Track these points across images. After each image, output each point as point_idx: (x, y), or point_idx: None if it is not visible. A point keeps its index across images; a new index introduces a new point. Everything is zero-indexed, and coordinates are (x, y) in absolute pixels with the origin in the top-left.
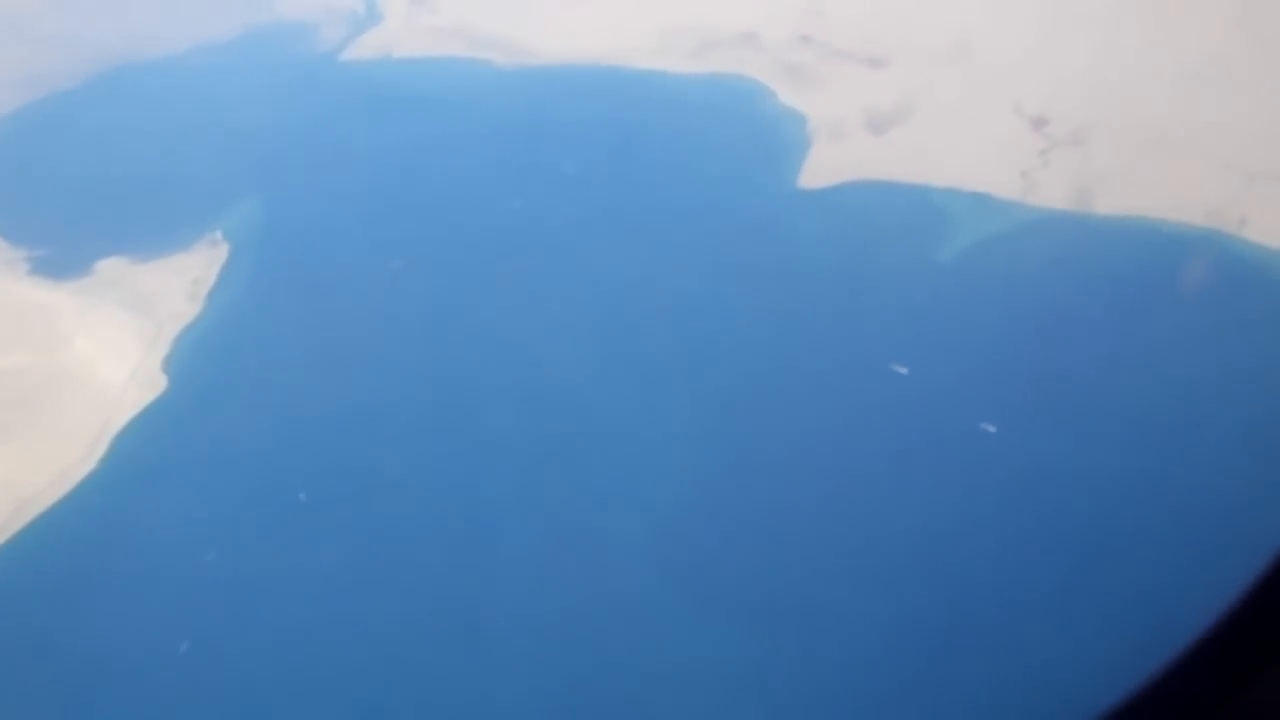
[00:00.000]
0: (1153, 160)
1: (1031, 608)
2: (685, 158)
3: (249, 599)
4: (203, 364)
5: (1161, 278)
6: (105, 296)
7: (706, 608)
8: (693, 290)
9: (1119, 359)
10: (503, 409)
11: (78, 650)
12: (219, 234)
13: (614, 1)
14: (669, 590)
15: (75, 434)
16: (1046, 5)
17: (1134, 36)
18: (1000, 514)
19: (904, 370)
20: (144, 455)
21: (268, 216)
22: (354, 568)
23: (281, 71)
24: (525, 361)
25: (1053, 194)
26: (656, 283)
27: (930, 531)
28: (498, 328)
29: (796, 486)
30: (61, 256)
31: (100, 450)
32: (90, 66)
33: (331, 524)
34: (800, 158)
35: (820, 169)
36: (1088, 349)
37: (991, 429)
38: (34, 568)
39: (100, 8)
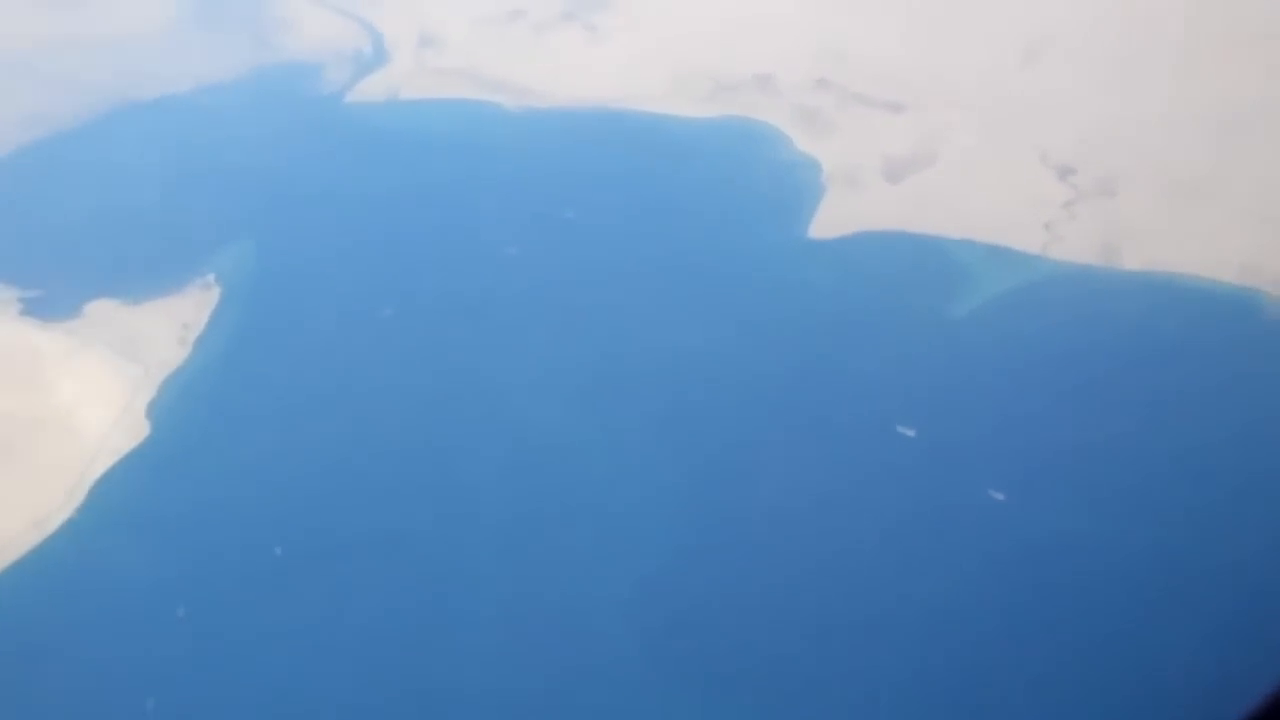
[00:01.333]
0: (1185, 212)
1: (1033, 693)
2: (692, 205)
3: (217, 658)
4: (187, 411)
5: (1191, 338)
6: (94, 339)
7: (691, 683)
8: (691, 346)
9: (1142, 425)
10: (486, 469)
11: (43, 702)
12: (212, 277)
13: (627, 43)
14: (652, 666)
15: (54, 480)
16: (1076, 49)
17: (1167, 83)
18: (1006, 589)
19: (910, 432)
20: (122, 504)
21: (261, 260)
22: (325, 629)
23: (284, 113)
24: (512, 420)
25: (1077, 247)
26: (653, 338)
27: (930, 606)
28: (485, 382)
29: (790, 555)
30: (53, 297)
31: (79, 498)
32: (93, 106)
33: (305, 582)
34: (813, 206)
35: (833, 218)
36: (1109, 413)
37: (1000, 497)
38: (3, 615)
39: (106, 47)
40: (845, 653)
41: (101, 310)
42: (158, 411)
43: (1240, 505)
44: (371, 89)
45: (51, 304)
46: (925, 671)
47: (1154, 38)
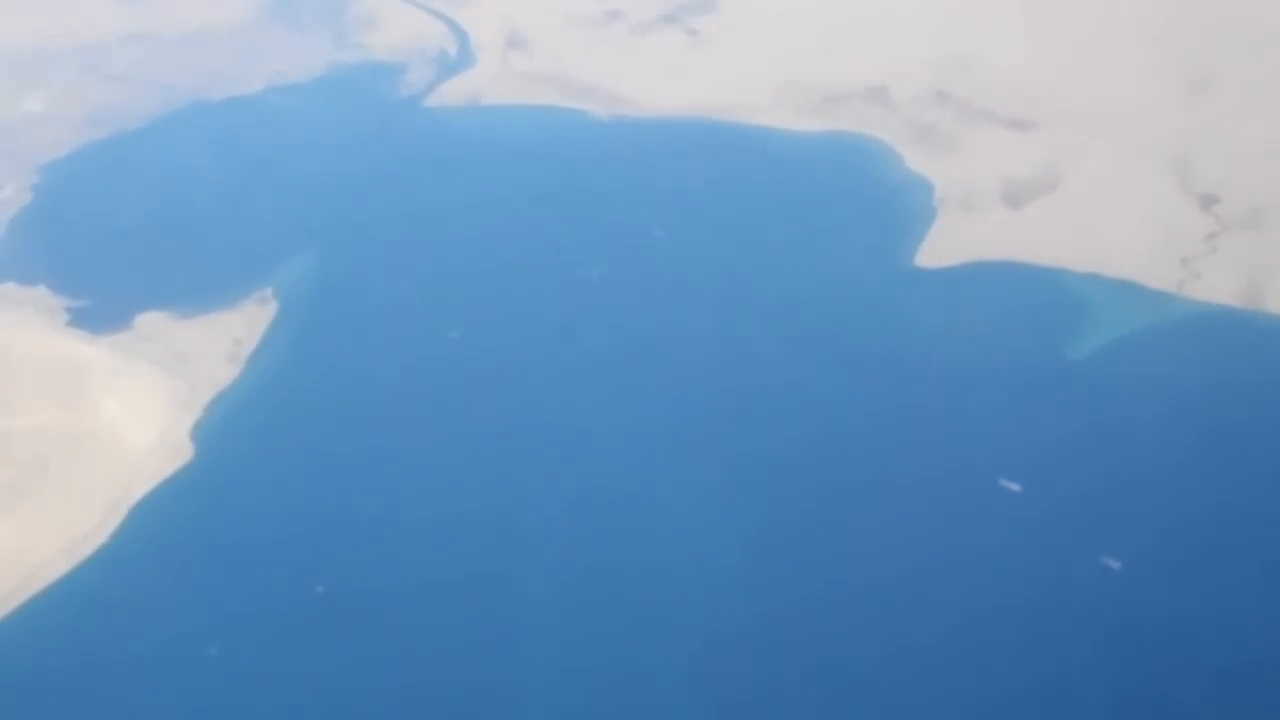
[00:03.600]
0: None
1: None
2: (790, 227)
3: (246, 704)
4: (232, 435)
5: None
6: (141, 354)
7: None
8: (780, 383)
9: (1271, 487)
10: (549, 513)
11: None
12: (269, 291)
13: (730, 49)
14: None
15: (91, 502)
16: (1225, 69)
17: None
18: (1114, 672)
19: (1016, 487)
20: (159, 532)
21: (324, 274)
22: (364, 677)
23: (359, 116)
24: (581, 460)
25: (1218, 285)
26: (739, 374)
27: (1028, 689)
28: (555, 417)
29: (875, 624)
30: (103, 308)
31: (115, 522)
32: (160, 105)
33: (347, 626)
34: (922, 231)
35: (944, 245)
36: (1244, 476)
37: (1115, 565)
38: (33, 641)
39: (180, 43)
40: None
41: (151, 323)
42: (202, 433)
43: None
44: (453, 93)
45: (100, 315)
46: None
47: None
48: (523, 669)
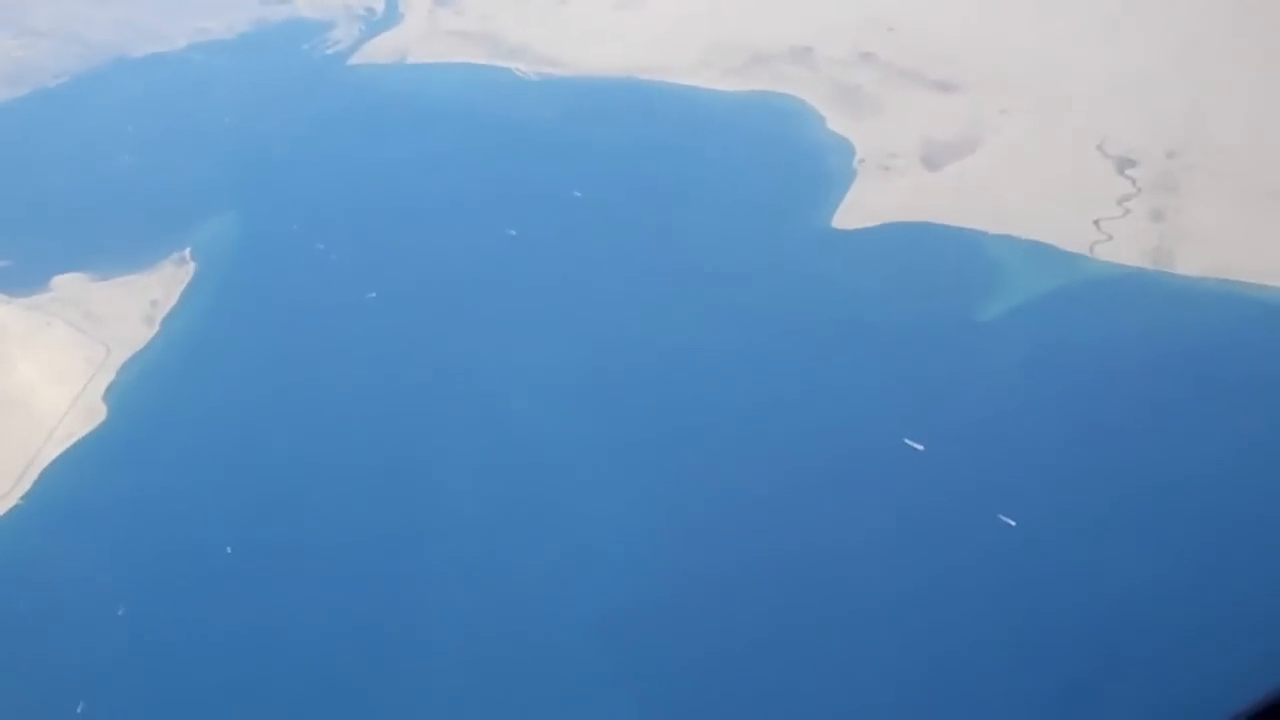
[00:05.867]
0: (1255, 214)
1: None
2: (708, 187)
3: (153, 662)
4: (145, 396)
5: (1245, 353)
6: (57, 315)
7: (655, 708)
8: (692, 342)
9: (1183, 449)
10: (460, 469)
11: None
12: (187, 252)
13: (658, 11)
14: (615, 689)
15: (3, 464)
16: (1149, 30)
17: (1246, 70)
18: (1001, 622)
19: (919, 446)
20: (69, 493)
21: (243, 235)
22: (271, 635)
23: (283, 74)
24: (494, 416)
25: (1128, 248)
26: (652, 332)
27: (916, 635)
28: (469, 375)
29: (773, 572)
30: (20, 269)
31: (26, 484)
32: (80, 62)
33: (254, 584)
34: (841, 193)
35: (861, 207)
36: (1145, 436)
37: (1011, 523)
38: None
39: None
40: (828, 677)
41: (69, 285)
42: (115, 395)
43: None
44: (380, 50)
45: (16, 277)
46: (912, 700)
47: (1235, 21)
48: (428, 622)
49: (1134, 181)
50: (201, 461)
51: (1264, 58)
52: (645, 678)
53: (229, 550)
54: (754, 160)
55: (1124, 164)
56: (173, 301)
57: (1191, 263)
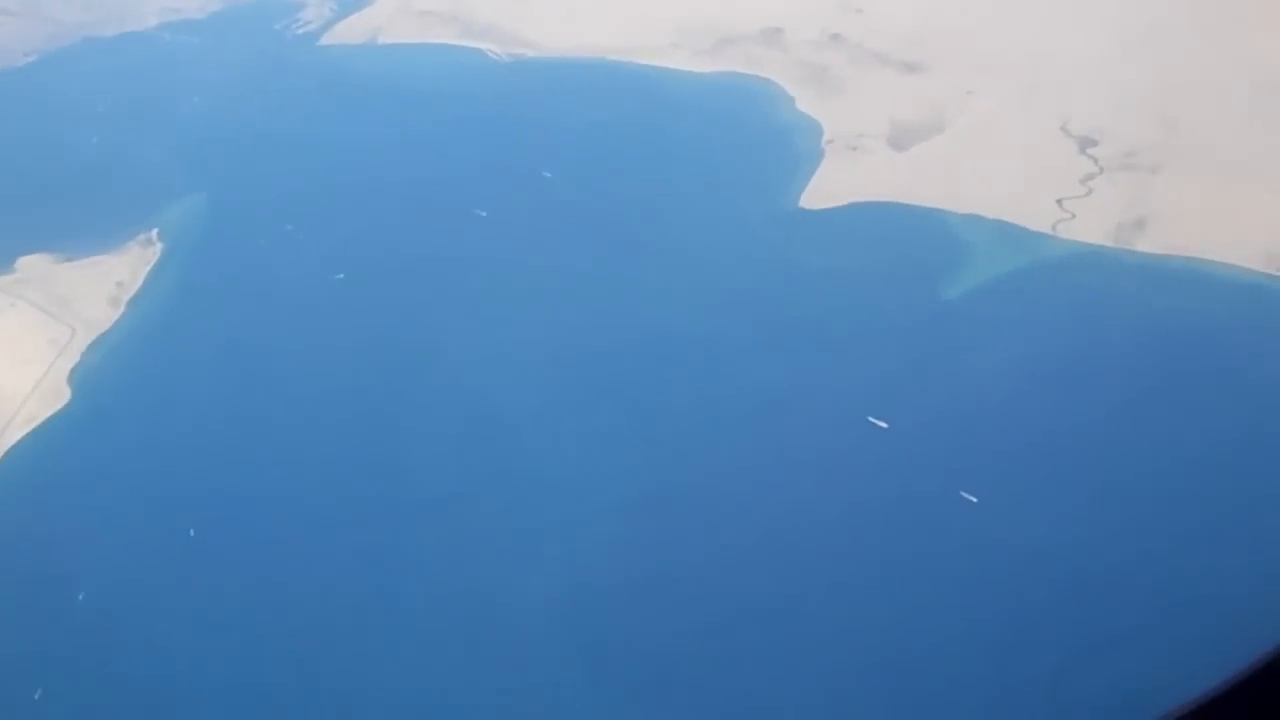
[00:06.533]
0: (1213, 192)
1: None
2: (677, 168)
3: (113, 648)
4: (109, 378)
5: (1204, 330)
6: (21, 296)
7: (617, 683)
8: (658, 321)
9: (1140, 426)
10: (427, 448)
11: None
12: (154, 233)
13: None
14: (579, 665)
15: None
16: (1110, 12)
17: (1207, 51)
18: (963, 599)
19: (883, 424)
20: (30, 478)
21: (211, 216)
22: (235, 619)
23: (254, 54)
24: (461, 397)
25: (1091, 227)
26: (619, 311)
27: (882, 615)
28: (437, 355)
29: (738, 550)
30: None
31: None
32: (49, 41)
33: (215, 568)
34: (808, 172)
35: (828, 186)
36: (1104, 413)
37: (973, 499)
38: None
39: None
40: (790, 654)
41: (34, 266)
42: (80, 377)
43: (1248, 512)
44: (350, 31)
45: None
46: (873, 675)
47: (1198, 3)
48: (392, 600)
49: (1096, 161)
50: (165, 444)
51: (1225, 39)
52: (609, 653)
53: (191, 533)
54: (723, 140)
55: (1086, 143)
56: (139, 283)
57: (1152, 241)
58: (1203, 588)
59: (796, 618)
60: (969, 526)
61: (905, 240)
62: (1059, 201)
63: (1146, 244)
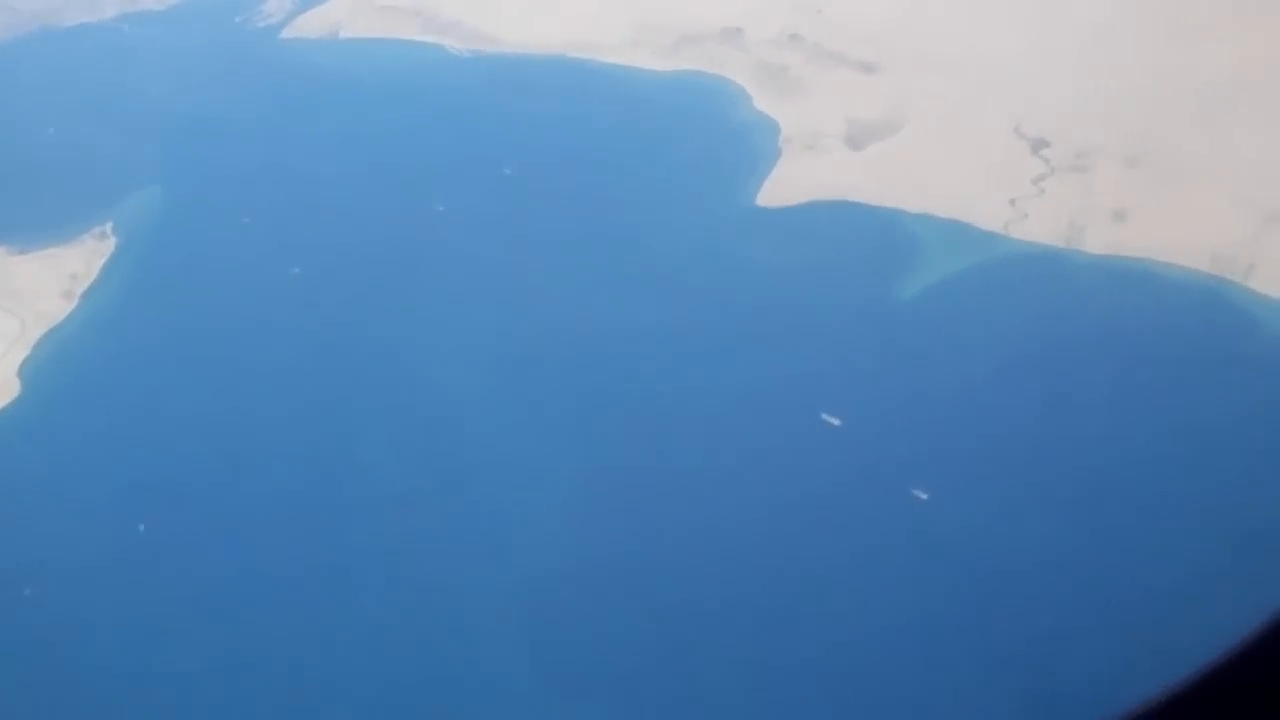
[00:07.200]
0: (1161, 193)
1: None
2: (635, 166)
3: (60, 645)
4: (60, 372)
5: (1148, 328)
6: None
7: (571, 682)
8: (613, 319)
9: (1088, 424)
10: (378, 445)
11: None
12: (109, 226)
13: None
14: (532, 665)
15: None
16: (1064, 18)
17: (1157, 56)
18: (913, 595)
19: (836, 421)
20: None
21: (167, 209)
22: (183, 615)
23: (214, 47)
24: (414, 392)
25: (1042, 226)
26: (577, 307)
27: (829, 612)
28: (391, 351)
29: (691, 548)
30: None
31: None
32: (6, 31)
33: (166, 564)
34: (765, 171)
35: (785, 185)
36: (1053, 410)
37: (923, 497)
38: None
39: None
40: (742, 653)
41: None
42: (30, 370)
43: (1198, 509)
44: (312, 24)
45: None
46: (825, 671)
47: (1150, 8)
48: (342, 599)
49: (1048, 161)
50: (116, 439)
51: (1177, 44)
52: (562, 646)
53: (141, 528)
54: (681, 139)
55: (1039, 145)
56: (93, 276)
57: (1101, 241)
58: (1152, 585)
59: (746, 612)
60: (919, 523)
61: (860, 239)
62: (1011, 201)
63: (1096, 244)
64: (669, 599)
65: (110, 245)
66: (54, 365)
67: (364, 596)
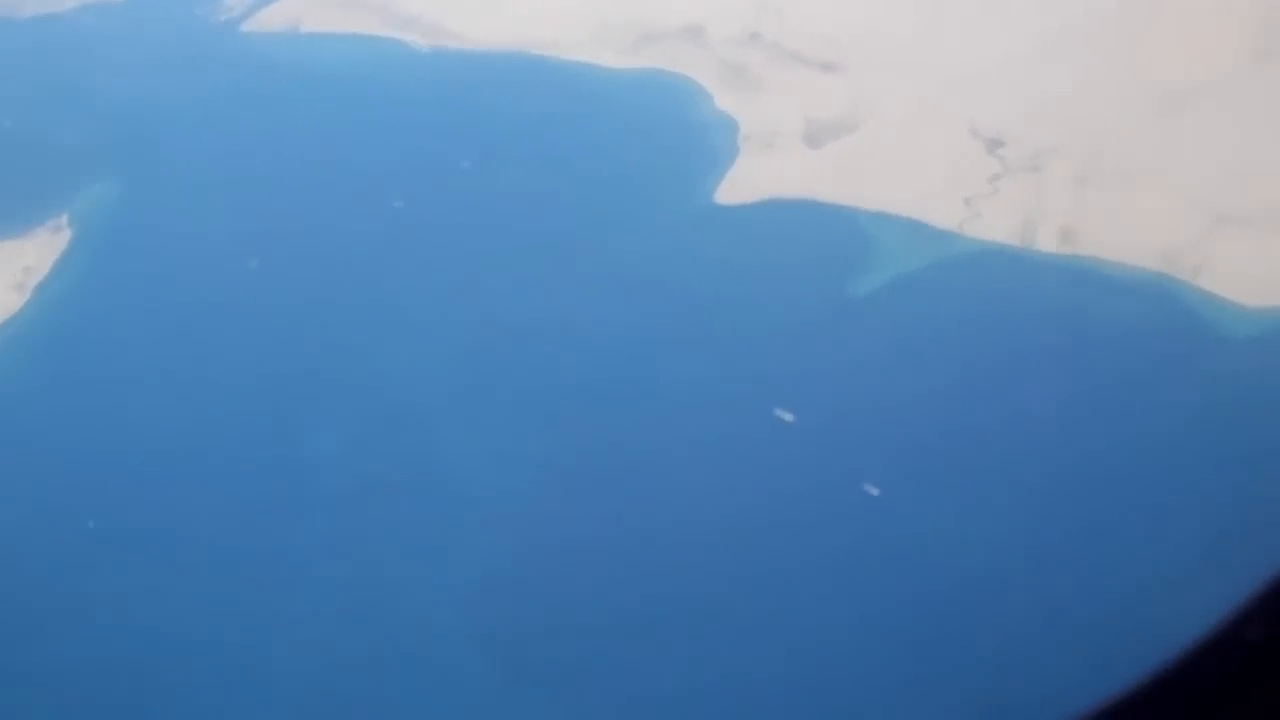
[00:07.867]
0: (1113, 194)
1: (884, 698)
2: (594, 162)
3: (6, 646)
4: (12, 366)
5: (1096, 327)
6: None
7: (525, 681)
8: (569, 312)
9: (1041, 422)
10: (332, 440)
11: None
12: (65, 218)
13: None
14: (487, 664)
15: None
16: (1025, 17)
17: (1117, 58)
18: (864, 592)
19: (789, 417)
20: None
21: (124, 203)
22: (129, 613)
23: (172, 39)
24: (368, 387)
25: (996, 225)
26: (533, 304)
27: (777, 605)
28: (347, 345)
29: (643, 545)
30: None
31: None
32: None
33: (115, 561)
34: (723, 169)
35: (742, 183)
36: (1006, 408)
37: (874, 492)
38: None
39: None
40: (693, 650)
41: None
42: None
43: (1152, 510)
44: (272, 18)
45: None
46: (774, 667)
47: (1109, 10)
48: (293, 598)
49: (1003, 161)
50: (67, 433)
51: (1135, 47)
52: (519, 642)
53: (91, 525)
54: (640, 136)
55: (994, 145)
56: (46, 269)
57: (1054, 240)
58: (1107, 588)
59: (699, 607)
60: (871, 519)
61: (815, 236)
62: (966, 201)
63: (1049, 243)
64: (622, 595)
65: (65, 238)
66: (6, 360)
67: (322, 588)
